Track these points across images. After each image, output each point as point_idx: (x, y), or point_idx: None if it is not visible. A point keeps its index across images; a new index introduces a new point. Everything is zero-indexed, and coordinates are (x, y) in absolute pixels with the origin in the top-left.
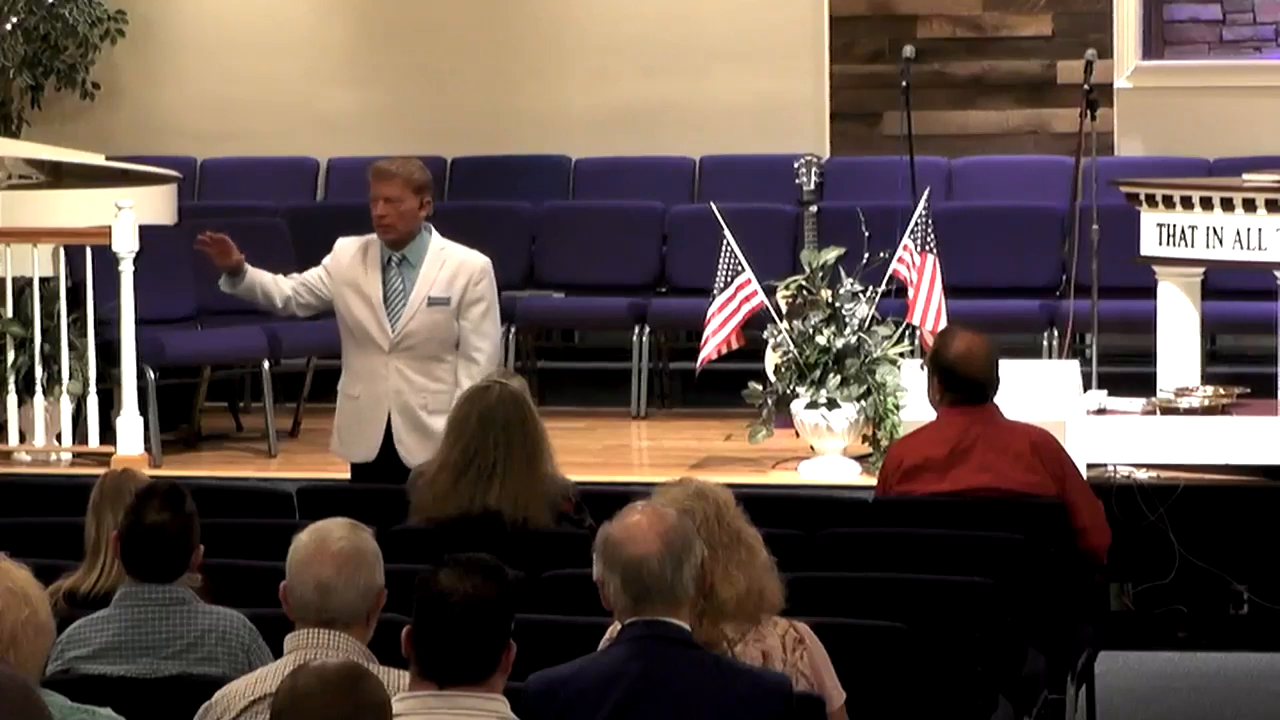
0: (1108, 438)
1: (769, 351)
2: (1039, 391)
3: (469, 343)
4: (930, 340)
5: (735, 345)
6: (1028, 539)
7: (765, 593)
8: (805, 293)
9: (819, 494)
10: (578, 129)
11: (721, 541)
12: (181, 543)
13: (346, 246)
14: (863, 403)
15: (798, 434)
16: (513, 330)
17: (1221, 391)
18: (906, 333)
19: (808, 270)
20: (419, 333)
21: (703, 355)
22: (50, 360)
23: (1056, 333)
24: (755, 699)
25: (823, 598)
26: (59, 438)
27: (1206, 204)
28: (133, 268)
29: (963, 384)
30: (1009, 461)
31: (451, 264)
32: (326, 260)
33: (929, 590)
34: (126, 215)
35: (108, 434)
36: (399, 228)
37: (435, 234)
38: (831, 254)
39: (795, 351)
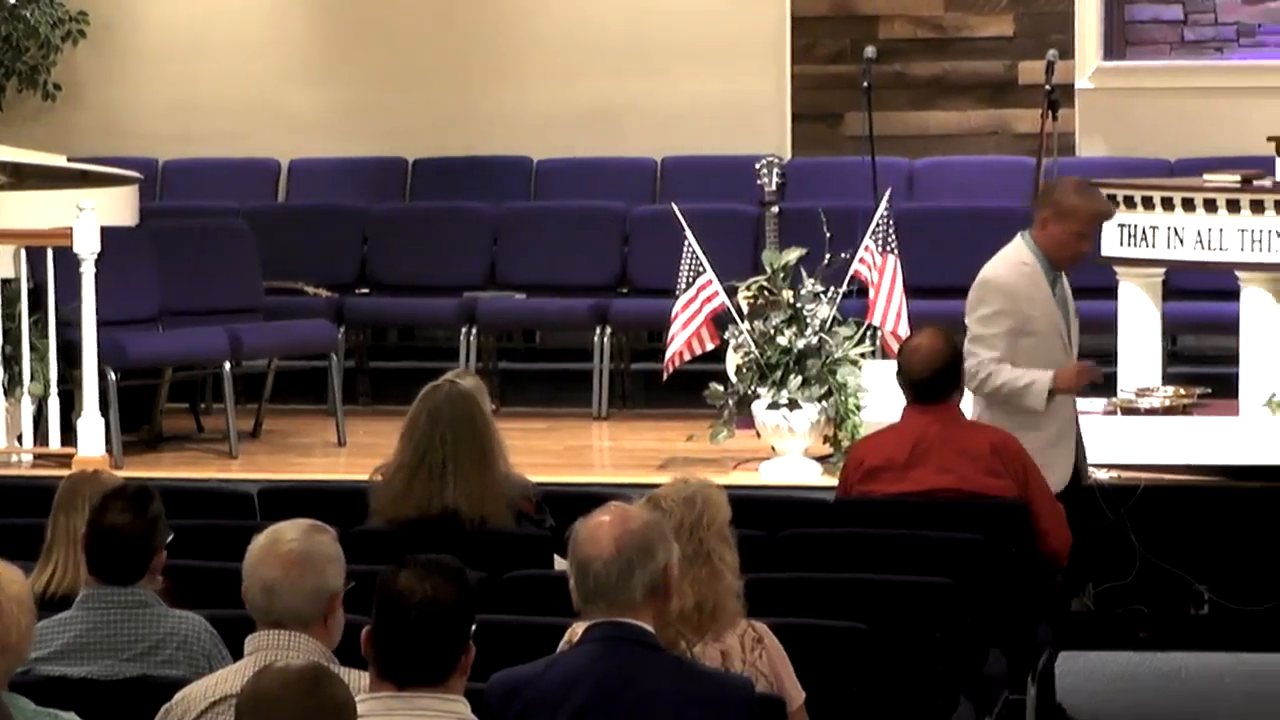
0: None
1: (730, 352)
2: None
3: None
4: (891, 341)
5: (709, 345)
6: (988, 540)
7: (718, 613)
8: (767, 293)
9: (780, 494)
10: (540, 130)
11: (685, 552)
12: (141, 546)
13: (1012, 278)
14: (824, 403)
15: (759, 434)
16: (474, 331)
17: (1182, 392)
18: (868, 334)
19: (769, 271)
20: (1076, 348)
21: (669, 355)
22: (11, 361)
23: None
24: (719, 701)
25: (783, 598)
26: (20, 439)
27: (1167, 204)
28: (94, 269)
29: (909, 382)
30: (970, 463)
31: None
32: (999, 304)
33: (890, 591)
34: (88, 216)
35: (69, 435)
36: None
37: None
38: (793, 254)
39: (756, 352)
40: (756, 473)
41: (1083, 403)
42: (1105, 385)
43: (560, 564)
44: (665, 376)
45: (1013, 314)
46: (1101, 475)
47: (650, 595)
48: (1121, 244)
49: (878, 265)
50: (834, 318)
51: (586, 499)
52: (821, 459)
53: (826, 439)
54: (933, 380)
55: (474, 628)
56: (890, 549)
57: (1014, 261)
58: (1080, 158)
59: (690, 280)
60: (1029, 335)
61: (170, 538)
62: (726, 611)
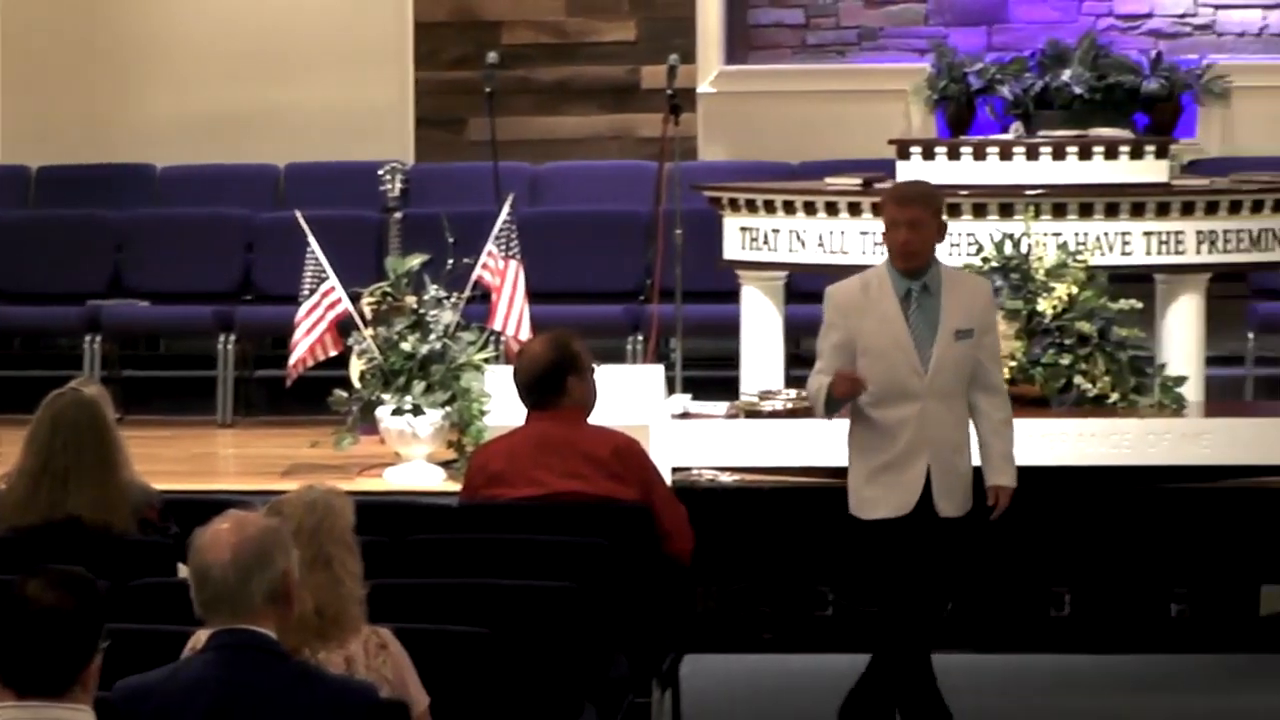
0: (692, 442)
1: (354, 358)
2: (623, 396)
3: (988, 371)
4: (514, 346)
5: (333, 351)
6: (611, 543)
7: (340, 619)
8: (390, 299)
9: (405, 500)
10: (163, 137)
11: (305, 558)
12: None
13: (848, 290)
14: (448, 409)
15: (383, 440)
16: (98, 339)
17: (804, 394)
18: (491, 339)
19: (392, 277)
20: (948, 369)
21: (292, 362)
22: None
23: (641, 337)
24: (342, 707)
25: (407, 603)
26: None
27: (789, 208)
28: None
29: (517, 388)
30: (592, 467)
31: (966, 292)
32: (829, 316)
33: (512, 595)
34: None
35: None
36: (924, 254)
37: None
38: (416, 260)
39: (380, 358)
40: (381, 478)
41: (704, 406)
42: (727, 388)
43: (184, 572)
44: (289, 383)
45: (841, 327)
46: (725, 478)
47: (270, 601)
48: (743, 248)
49: (500, 270)
50: (457, 323)
51: (211, 506)
52: (446, 464)
53: (451, 444)
54: (533, 386)
55: (107, 642)
56: (513, 553)
57: (861, 275)
58: (702, 161)
59: (314, 287)
60: (863, 352)
61: None
62: (349, 617)
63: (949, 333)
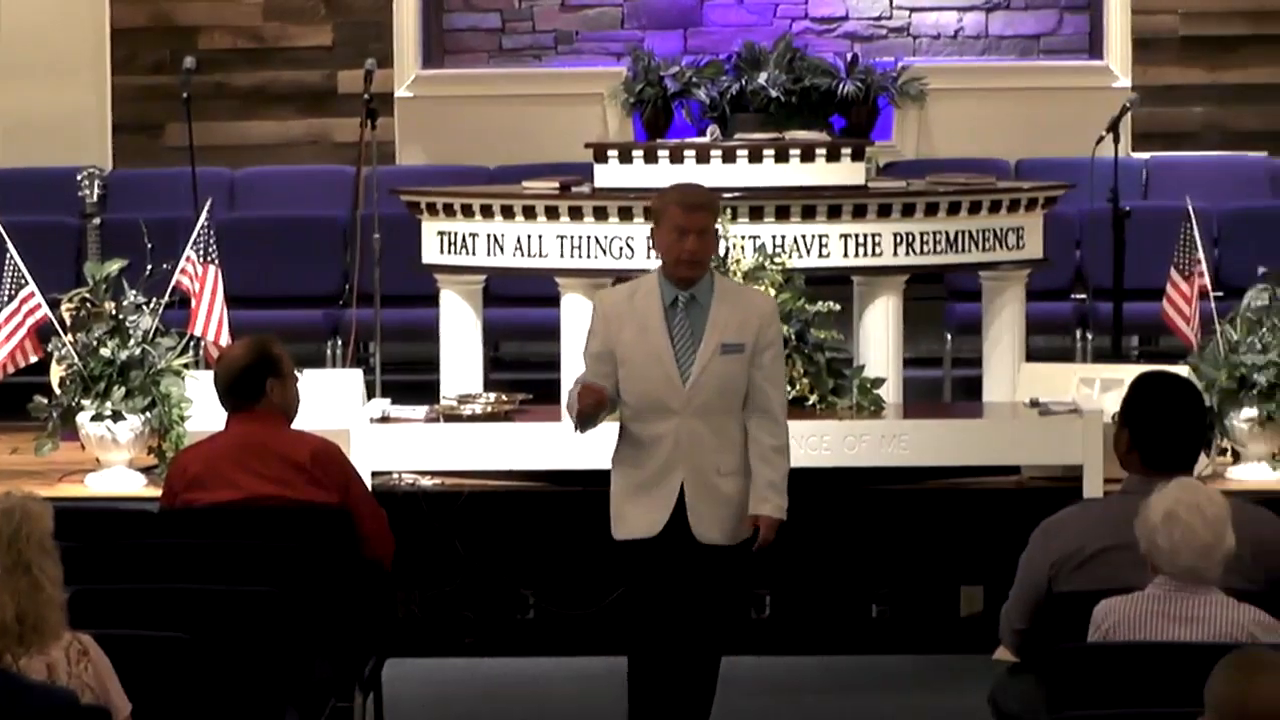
0: (391, 446)
1: (54, 364)
2: (323, 401)
3: (764, 393)
4: (214, 351)
5: (33, 357)
6: (310, 547)
7: (40, 626)
8: (89, 305)
9: (106, 505)
10: None
11: (5, 564)
12: None
13: (615, 297)
14: (148, 414)
15: (84, 446)
16: None
17: (504, 398)
18: (190, 344)
19: (91, 283)
20: (711, 385)
21: None
22: None
23: (340, 342)
24: (42, 714)
25: (109, 609)
26: None
27: (487, 212)
28: None
29: (217, 391)
30: (292, 470)
31: (741, 305)
32: (593, 323)
33: (212, 600)
34: None
35: None
36: (708, 263)
37: (714, 269)
38: (115, 266)
39: (80, 364)
40: (83, 484)
41: (403, 409)
42: (426, 392)
43: None
44: None
45: (601, 335)
46: (426, 482)
47: None
48: (441, 251)
49: (199, 276)
50: (157, 329)
51: None
52: (147, 470)
53: (151, 450)
54: (232, 387)
55: None
56: (213, 558)
57: (631, 283)
58: (400, 166)
59: (13, 293)
60: (623, 363)
61: None
62: (49, 624)
63: (713, 346)
